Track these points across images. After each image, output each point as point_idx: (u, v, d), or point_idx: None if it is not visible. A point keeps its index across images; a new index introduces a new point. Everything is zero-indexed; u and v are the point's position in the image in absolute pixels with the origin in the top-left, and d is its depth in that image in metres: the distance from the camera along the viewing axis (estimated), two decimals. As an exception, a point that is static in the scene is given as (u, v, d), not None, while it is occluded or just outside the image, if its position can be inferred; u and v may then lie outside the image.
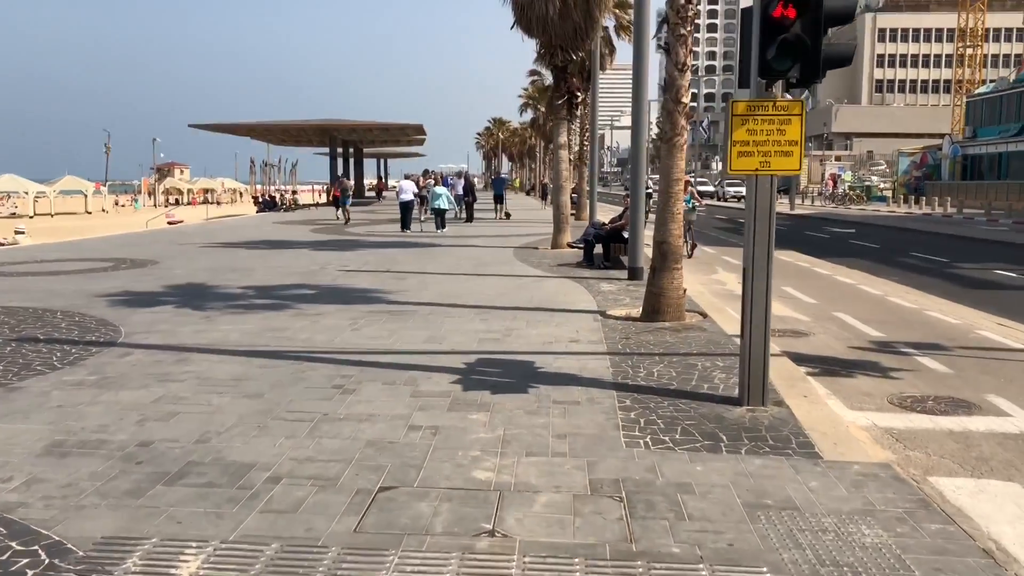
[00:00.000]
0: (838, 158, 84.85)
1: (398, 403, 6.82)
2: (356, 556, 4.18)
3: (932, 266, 19.75)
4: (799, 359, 8.85)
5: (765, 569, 4.08)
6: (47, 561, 4.08)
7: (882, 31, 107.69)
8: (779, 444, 5.94)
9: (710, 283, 15.19)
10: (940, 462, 5.97)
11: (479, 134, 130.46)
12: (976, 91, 66.88)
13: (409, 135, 63.26)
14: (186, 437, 5.97)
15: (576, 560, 4.14)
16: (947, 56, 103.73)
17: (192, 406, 6.72)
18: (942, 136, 69.16)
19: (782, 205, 56.45)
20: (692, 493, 5.03)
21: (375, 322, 10.46)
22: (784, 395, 7.10)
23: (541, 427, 6.21)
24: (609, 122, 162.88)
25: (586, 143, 38.32)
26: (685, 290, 10.76)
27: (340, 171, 60.69)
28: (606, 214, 29.93)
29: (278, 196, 60.54)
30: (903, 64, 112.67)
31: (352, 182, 39.76)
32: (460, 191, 33.47)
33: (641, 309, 10.77)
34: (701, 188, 20.28)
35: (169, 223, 43.91)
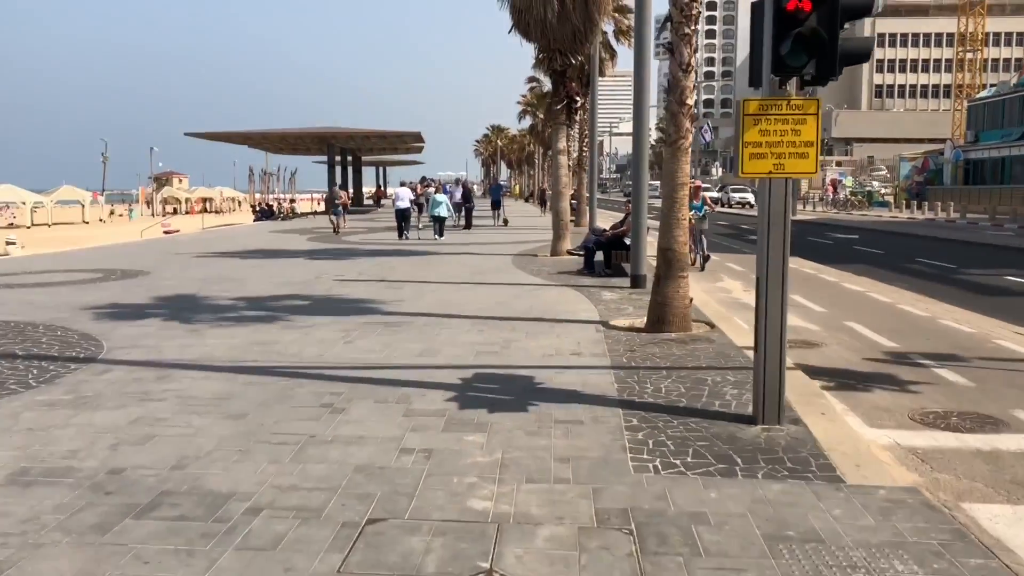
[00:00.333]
0: (839, 163, 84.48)
1: (390, 423, 6.40)
2: (338, 603, 3.76)
3: (940, 272, 19.34)
4: (812, 372, 8.43)
5: (793, 616, 3.67)
6: (-8, 612, 3.67)
7: (881, 36, 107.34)
8: (798, 467, 5.52)
9: (715, 291, 14.78)
10: (972, 486, 5.56)
11: (477, 141, 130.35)
12: (978, 95, 66.56)
13: (407, 143, 62.91)
14: (161, 463, 5.55)
15: (582, 607, 3.73)
16: (947, 61, 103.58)
17: (170, 428, 6.31)
18: (942, 141, 68.84)
19: (783, 211, 55.89)
20: (707, 524, 4.62)
21: (369, 334, 10.05)
22: (800, 412, 6.69)
23: (542, 449, 5.80)
24: (608, 128, 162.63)
25: (585, 149, 38.00)
26: (691, 299, 10.36)
27: (339, 179, 60.40)
28: (605, 221, 29.57)
29: (275, 205, 60.12)
30: (903, 69, 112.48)
31: (344, 192, 37.69)
32: (458, 198, 33.12)
33: (645, 319, 10.36)
34: (707, 194, 19.68)
35: (165, 232, 43.51)
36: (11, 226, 66.46)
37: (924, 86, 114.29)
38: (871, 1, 6.49)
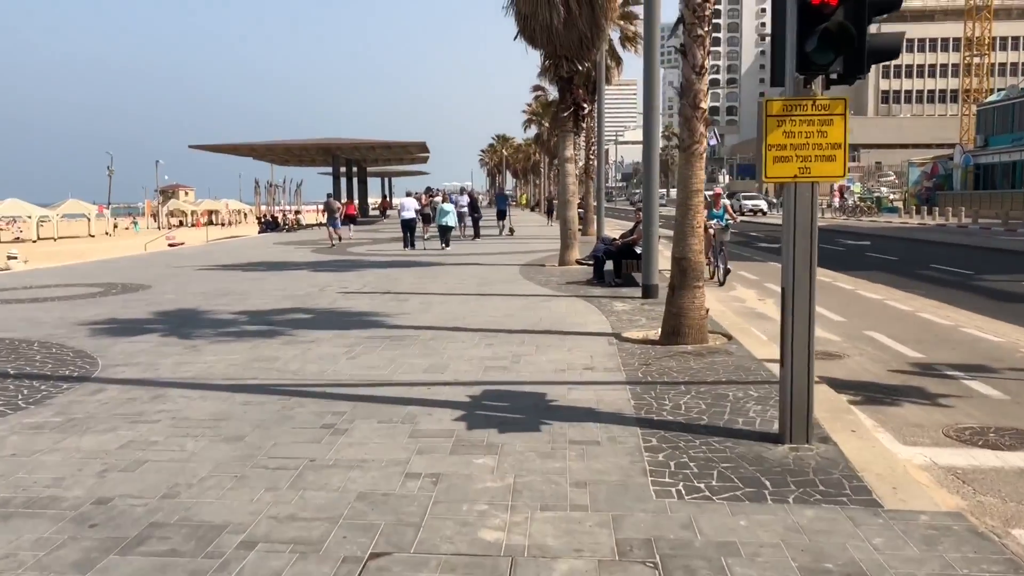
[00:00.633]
0: (776, 183, 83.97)
1: (395, 445, 6.05)
2: (336, 654, 3.40)
3: (957, 279, 18.92)
4: (837, 385, 8.05)
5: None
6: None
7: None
8: (831, 490, 5.15)
9: (729, 300, 14.39)
10: (1020, 510, 5.17)
11: (483, 151, 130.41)
12: (987, 100, 66.10)
13: (412, 153, 62.66)
14: (151, 491, 5.20)
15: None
16: (953, 66, 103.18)
17: (162, 452, 5.96)
18: (950, 146, 68.36)
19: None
20: (738, 555, 4.25)
21: (373, 349, 9.70)
22: (829, 429, 6.31)
23: (557, 473, 5.43)
24: (614, 137, 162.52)
25: (592, 157, 37.72)
26: (707, 310, 9.98)
27: (344, 191, 60.17)
28: (612, 230, 29.23)
29: (280, 216, 59.94)
30: (909, 75, 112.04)
31: (338, 202, 36.18)
32: (464, 208, 32.83)
33: (660, 331, 9.99)
34: (728, 202, 18.74)
35: (170, 245, 43.30)
36: (17, 240, 66.55)
37: (931, 91, 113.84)
38: (900, -6, 6.14)
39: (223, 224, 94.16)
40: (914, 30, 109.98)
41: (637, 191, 76.97)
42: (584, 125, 30.35)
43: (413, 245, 28.67)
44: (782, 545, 4.37)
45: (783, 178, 5.94)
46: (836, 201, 64.78)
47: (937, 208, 53.31)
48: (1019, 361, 9.46)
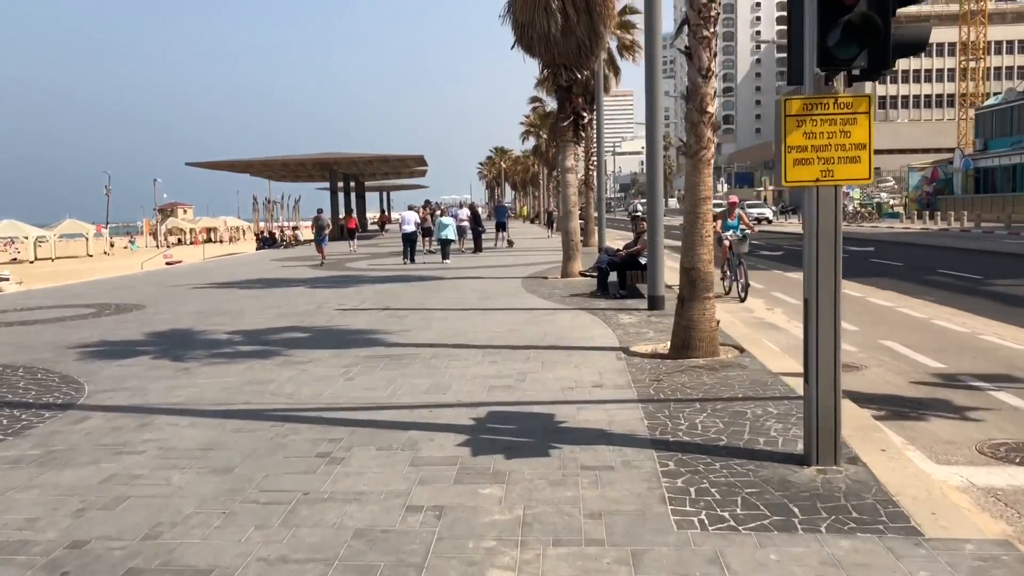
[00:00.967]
0: (798, 188, 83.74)
1: (394, 475, 5.65)
2: None
3: (966, 284, 18.53)
4: (858, 399, 7.66)
5: None
6: None
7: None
8: (865, 517, 4.76)
9: (737, 310, 13.99)
10: (1072, 536, 4.77)
11: (481, 164, 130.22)
12: (985, 103, 65.88)
13: (410, 166, 62.41)
14: (132, 531, 4.81)
15: None
16: (949, 70, 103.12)
17: (146, 487, 5.56)
18: (949, 150, 68.11)
19: (792, 224, 55.43)
20: (773, 596, 3.86)
21: (371, 369, 9.30)
22: (857, 449, 5.92)
23: (569, 503, 5.04)
24: (611, 148, 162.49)
25: (591, 167, 37.42)
26: (718, 321, 9.60)
27: (342, 205, 59.87)
28: (612, 240, 28.88)
29: (278, 232, 59.61)
30: (905, 80, 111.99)
31: (328, 219, 34.32)
32: (465, 222, 32.53)
33: (669, 344, 9.61)
34: (717, 209, 17.74)
35: (167, 263, 42.96)
36: (14, 261, 66.23)
37: (927, 96, 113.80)
38: (925, -16, 5.78)
39: (221, 241, 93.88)
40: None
41: (635, 201, 76.70)
42: (584, 134, 30.09)
43: (413, 259, 28.45)
44: (820, 582, 3.98)
45: (804, 182, 5.57)
46: (837, 208, 64.36)
47: (939, 213, 52.98)
48: (1045, 369, 9.07)
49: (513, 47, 19.12)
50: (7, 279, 27.99)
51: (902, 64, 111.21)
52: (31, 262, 64.74)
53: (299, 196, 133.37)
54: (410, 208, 31.78)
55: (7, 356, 11.00)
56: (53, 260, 66.55)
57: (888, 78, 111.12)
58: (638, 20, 32.88)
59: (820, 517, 4.77)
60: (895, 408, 7.61)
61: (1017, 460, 6.06)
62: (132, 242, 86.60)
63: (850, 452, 5.82)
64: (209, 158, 60.34)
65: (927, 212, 55.08)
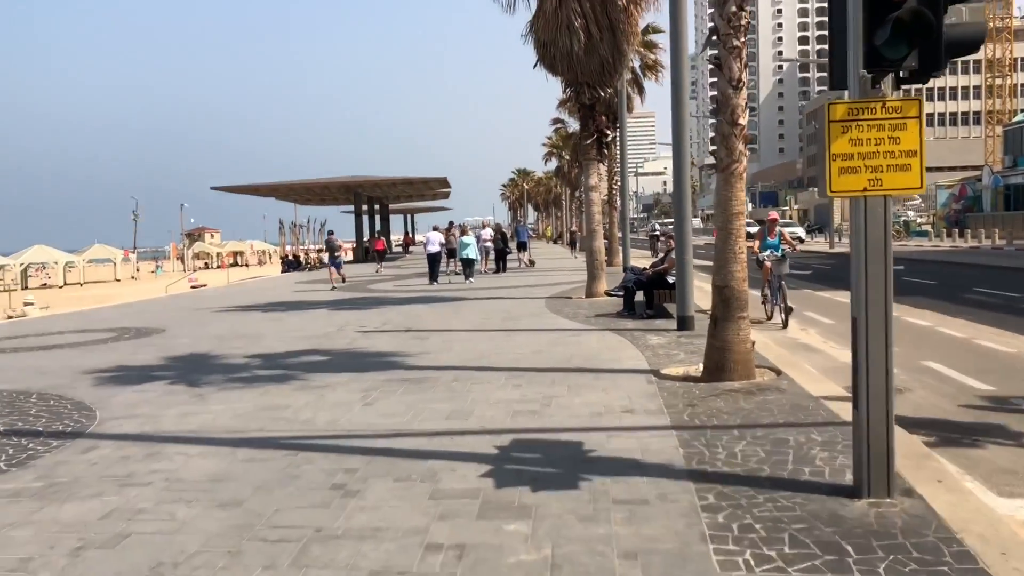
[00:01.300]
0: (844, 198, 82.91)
1: (413, 509, 5.28)
2: None
3: (1005, 302, 17.93)
4: (906, 424, 7.18)
5: None
6: None
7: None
8: (928, 557, 4.32)
9: (770, 331, 13.52)
10: None
11: (504, 185, 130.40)
12: (1014, 120, 64.93)
13: (434, 188, 62.41)
14: (130, 573, 4.48)
15: None
16: (975, 87, 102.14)
17: (149, 523, 5.23)
18: (975, 168, 67.17)
19: (819, 244, 54.71)
20: (832, 650, 3.44)
21: (391, 393, 8.95)
22: (910, 479, 5.47)
23: (601, 541, 4.64)
24: (634, 168, 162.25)
25: (614, 187, 37.11)
26: (754, 343, 9.17)
27: (366, 227, 59.90)
28: (635, 260, 28.43)
29: (303, 256, 59.67)
30: (930, 97, 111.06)
31: (341, 241, 32.10)
32: (488, 243, 32.30)
33: (702, 366, 9.19)
34: (785, 230, 16.34)
35: (192, 287, 43.01)
36: (44, 286, 66.80)
37: (953, 114, 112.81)
38: (978, -21, 5.41)
39: (247, 265, 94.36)
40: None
41: (655, 221, 76.04)
42: (607, 152, 29.81)
43: (438, 279, 28.33)
44: (883, 634, 3.56)
45: (850, 192, 5.19)
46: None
47: (968, 230, 52.07)
48: (1103, 392, 8.56)
49: (535, 66, 18.86)
50: (32, 304, 27.98)
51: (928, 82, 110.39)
52: (60, 287, 65.27)
53: (324, 220, 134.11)
54: (434, 229, 31.59)
55: (24, 382, 10.78)
56: (82, 285, 67.06)
57: (912, 96, 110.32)
58: (661, 40, 32.69)
59: (877, 557, 4.34)
60: (946, 434, 7.15)
61: (1086, 491, 5.59)
62: (158, 267, 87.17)
63: (904, 483, 5.39)
64: (234, 181, 60.62)
65: (956, 230, 54.17)
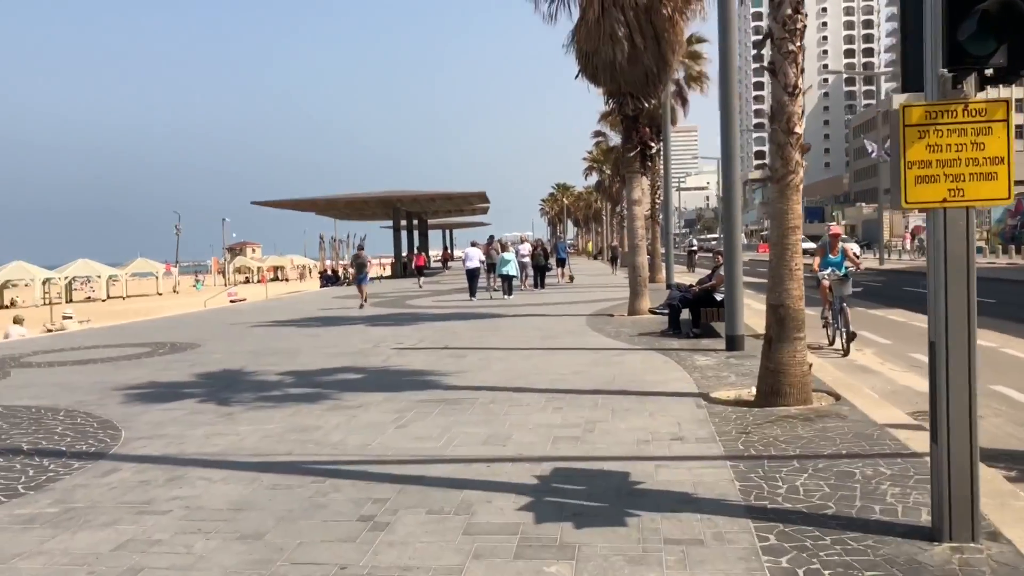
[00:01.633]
0: (922, 209, 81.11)
1: (445, 545, 4.86)
2: None
3: (1070, 321, 17.08)
4: (982, 456, 6.58)
5: None
6: None
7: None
8: (1025, 614, 3.80)
9: (826, 354, 12.90)
10: None
11: (543, 200, 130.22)
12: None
13: (472, 203, 62.26)
14: (138, 614, 4.11)
15: None
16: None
17: (164, 556, 4.87)
18: (1033, 182, 65.26)
19: (869, 260, 53.55)
20: None
21: (425, 415, 8.56)
22: (995, 521, 4.93)
23: (653, 588, 4.18)
24: (676, 183, 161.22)
25: (657, 201, 36.55)
26: (811, 365, 8.63)
27: (405, 243, 59.90)
28: (679, 276, 27.87)
29: (341, 270, 59.78)
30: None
31: (368, 256, 30.11)
32: (526, 258, 31.90)
33: (755, 390, 8.67)
34: (848, 246, 15.11)
35: (231, 301, 43.21)
36: (88, 299, 67.81)
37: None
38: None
39: (287, 280, 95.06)
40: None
41: (691, 236, 74.95)
42: (651, 165, 29.31)
43: (476, 295, 28.09)
44: None
45: (928, 203, 4.70)
46: (908, 243, 62.11)
47: (1024, 247, 50.54)
48: None
49: (577, 76, 18.50)
50: (70, 317, 28.16)
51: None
52: (103, 300, 66.17)
53: (364, 235, 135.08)
54: (473, 244, 31.28)
55: (53, 398, 10.57)
56: (124, 298, 67.95)
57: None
58: (707, 49, 32.17)
59: (966, 613, 3.83)
60: (1026, 467, 6.56)
61: None
62: (198, 281, 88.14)
63: (988, 525, 4.85)
64: (274, 196, 61.04)
65: (1012, 246, 52.61)
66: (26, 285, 65.38)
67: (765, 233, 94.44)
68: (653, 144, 24.76)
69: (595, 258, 79.95)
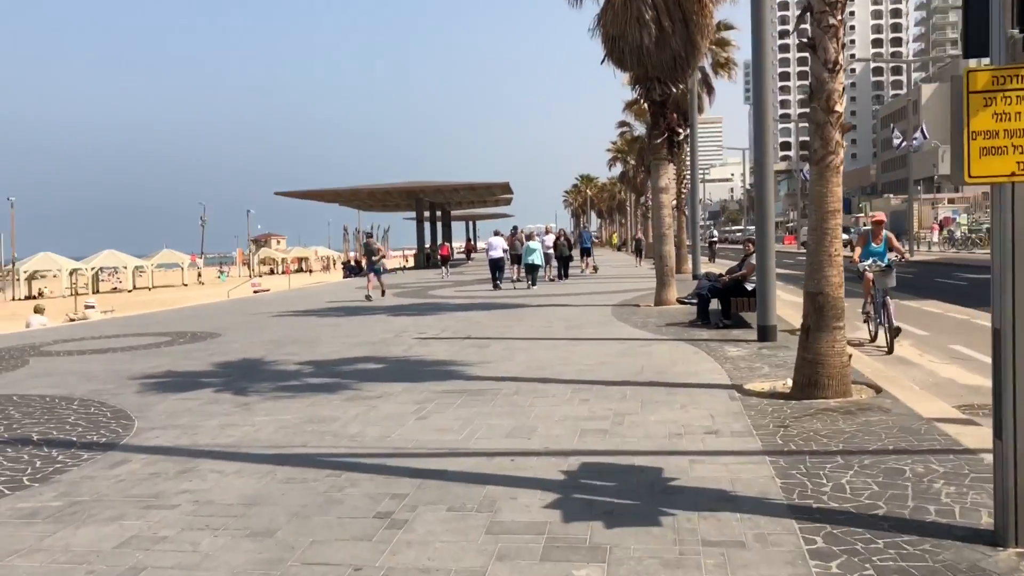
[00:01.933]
0: (951, 200, 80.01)
1: (467, 545, 4.55)
2: None
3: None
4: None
5: None
6: None
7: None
8: (1107, 630, 3.42)
9: (868, 350, 12.43)
10: None
11: (566, 192, 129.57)
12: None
13: (496, 194, 61.90)
14: (137, 618, 3.82)
15: None
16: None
17: (168, 554, 4.59)
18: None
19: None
20: None
21: (447, 406, 8.24)
22: (1063, 524, 4.53)
23: (692, 595, 3.84)
24: (700, 174, 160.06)
25: (683, 190, 36.04)
26: (850, 356, 8.22)
27: (428, 234, 59.69)
28: (703, 266, 27.38)
29: (363, 261, 59.71)
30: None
31: (380, 244, 28.55)
32: (551, 248, 31.51)
33: (790, 381, 8.28)
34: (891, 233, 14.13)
35: (255, 292, 43.20)
36: (115, 290, 68.26)
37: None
38: None
39: (311, 271, 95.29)
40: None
41: (713, 228, 73.82)
42: (677, 153, 28.85)
43: (500, 285, 27.82)
44: None
45: (995, 177, 4.30)
46: (935, 235, 61.08)
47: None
48: None
49: (603, 61, 18.06)
50: (92, 307, 28.14)
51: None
52: (129, 291, 66.55)
53: (387, 226, 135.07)
54: (496, 234, 30.96)
55: (69, 387, 10.37)
56: (150, 289, 68.29)
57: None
58: (733, 37, 31.61)
59: (1039, 627, 3.46)
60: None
61: None
62: (222, 272, 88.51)
63: (1056, 529, 4.45)
64: (298, 187, 60.99)
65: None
66: (54, 276, 65.89)
67: (791, 224, 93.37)
68: (680, 130, 24.28)
69: (619, 249, 79.39)
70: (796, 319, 13.97)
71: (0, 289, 62.22)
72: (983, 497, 4.92)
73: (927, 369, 10.40)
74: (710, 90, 33.00)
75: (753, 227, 17.02)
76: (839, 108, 7.95)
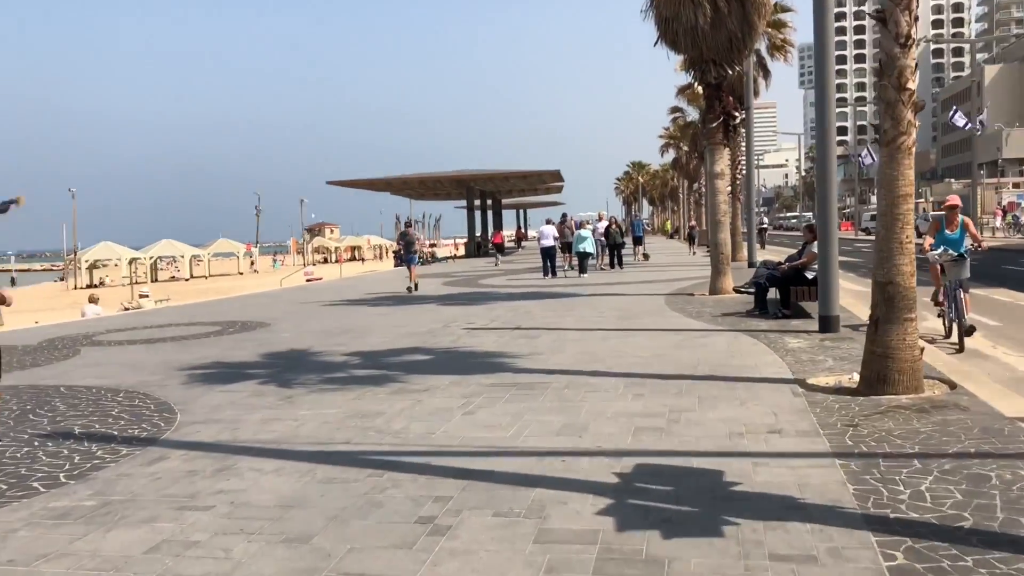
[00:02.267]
0: (1016, 185, 77.34)
1: (514, 555, 4.24)
2: None
3: None
4: None
5: None
6: None
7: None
8: None
9: (941, 346, 11.80)
10: None
11: (618, 179, 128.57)
12: None
13: (546, 182, 61.47)
14: (162, 632, 3.59)
15: None
16: None
17: (199, 561, 4.36)
18: None
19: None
20: None
21: (495, 400, 7.95)
22: None
23: (760, 619, 3.48)
24: (755, 160, 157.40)
25: (739, 176, 35.27)
26: (923, 349, 7.72)
27: (479, 222, 59.50)
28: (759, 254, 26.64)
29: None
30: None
31: (419, 234, 26.05)
32: (602, 237, 31.03)
33: (857, 376, 7.81)
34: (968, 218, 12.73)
35: (307, 280, 43.49)
36: (173, 279, 69.51)
37: None
38: None
39: (363, 260, 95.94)
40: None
41: (763, 215, 72.06)
42: (733, 136, 28.12)
43: (554, 273, 27.50)
44: None
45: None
46: (998, 220, 59.07)
47: None
48: None
49: (656, 43, 17.54)
50: (147, 296, 28.48)
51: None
52: (186, 280, 67.70)
53: (439, 215, 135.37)
54: (547, 222, 30.60)
55: (115, 377, 10.32)
56: (207, 278, 69.36)
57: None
58: (789, 18, 30.73)
59: None
60: None
61: None
62: (276, 261, 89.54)
63: None
64: (350, 177, 61.21)
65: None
66: (115, 265, 67.26)
67: (848, 211, 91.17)
68: (736, 114, 23.63)
69: (671, 237, 78.38)
70: (858, 309, 13.40)
71: (62, 278, 63.67)
72: (1082, 509, 4.47)
73: (1003, 362, 9.82)
74: (766, 73, 32.16)
75: (809, 214, 16.41)
76: (912, 85, 7.44)
